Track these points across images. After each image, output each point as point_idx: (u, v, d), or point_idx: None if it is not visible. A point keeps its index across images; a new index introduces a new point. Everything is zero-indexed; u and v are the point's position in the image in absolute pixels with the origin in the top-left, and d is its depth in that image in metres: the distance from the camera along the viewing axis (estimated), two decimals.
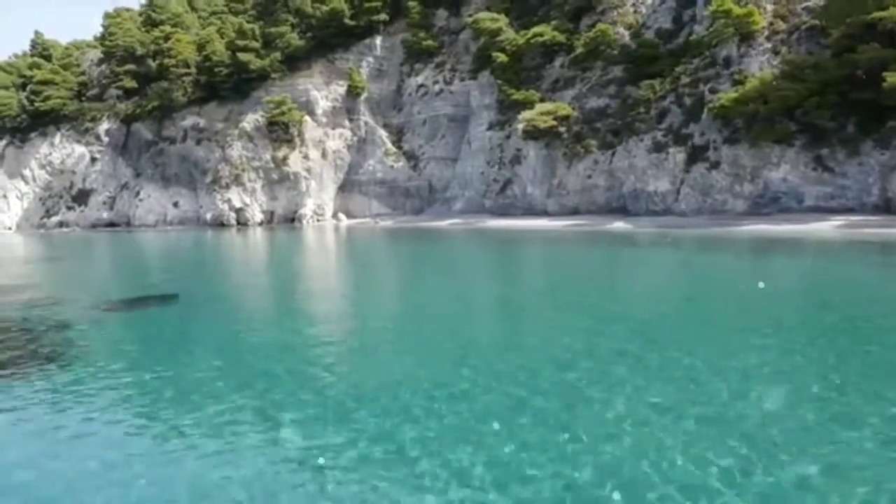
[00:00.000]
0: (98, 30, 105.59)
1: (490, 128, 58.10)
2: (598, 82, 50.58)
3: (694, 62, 42.99)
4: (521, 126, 54.01)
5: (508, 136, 56.12)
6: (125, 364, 10.62)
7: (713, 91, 40.81)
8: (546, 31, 54.48)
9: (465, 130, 64.24)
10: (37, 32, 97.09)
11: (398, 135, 70.50)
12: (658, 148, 42.14)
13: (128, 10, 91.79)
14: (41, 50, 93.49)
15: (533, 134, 52.52)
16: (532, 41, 54.48)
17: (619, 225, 40.38)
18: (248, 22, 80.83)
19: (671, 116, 42.68)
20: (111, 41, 78.30)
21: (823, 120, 35.32)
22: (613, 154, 46.51)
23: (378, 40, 73.14)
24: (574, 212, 48.62)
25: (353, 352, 11.56)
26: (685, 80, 42.51)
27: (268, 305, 17.83)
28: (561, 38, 54.04)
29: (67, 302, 17.64)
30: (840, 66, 34.93)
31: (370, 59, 73.03)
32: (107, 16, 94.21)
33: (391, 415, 7.68)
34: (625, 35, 51.67)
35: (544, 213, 51.06)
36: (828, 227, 31.83)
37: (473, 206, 59.16)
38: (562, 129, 50.11)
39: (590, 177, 47.80)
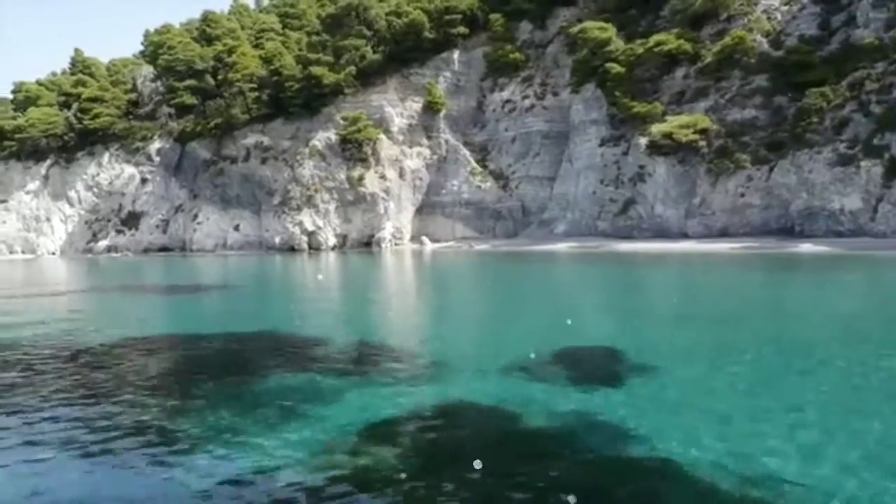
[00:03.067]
0: (138, 47, 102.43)
1: (602, 144, 53.54)
2: (740, 93, 46.26)
3: (878, 66, 38.65)
4: (643, 141, 49.65)
5: (626, 153, 51.57)
6: None
7: None
8: (669, 40, 50.38)
9: (563, 147, 59.79)
10: (77, 50, 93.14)
11: (481, 153, 65.99)
12: (844, 161, 37.56)
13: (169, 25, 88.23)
14: (82, 67, 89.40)
15: (661, 149, 48.06)
16: (655, 50, 50.28)
17: (808, 247, 35.48)
18: (313, 34, 77.16)
19: (854, 126, 38.22)
20: (171, 55, 73.88)
21: None
22: (772, 169, 41.90)
23: (456, 54, 69.12)
24: (722, 234, 43.80)
25: None
26: (870, 86, 38.12)
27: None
28: (687, 46, 49.88)
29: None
30: None
31: (447, 73, 68.90)
32: (154, 32, 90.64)
33: None
34: (762, 42, 47.57)
35: (680, 236, 46.18)
36: None
37: (581, 229, 54.30)
38: (701, 143, 45.58)
39: (742, 195, 43.09)
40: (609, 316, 16.36)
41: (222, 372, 10.96)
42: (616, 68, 52.38)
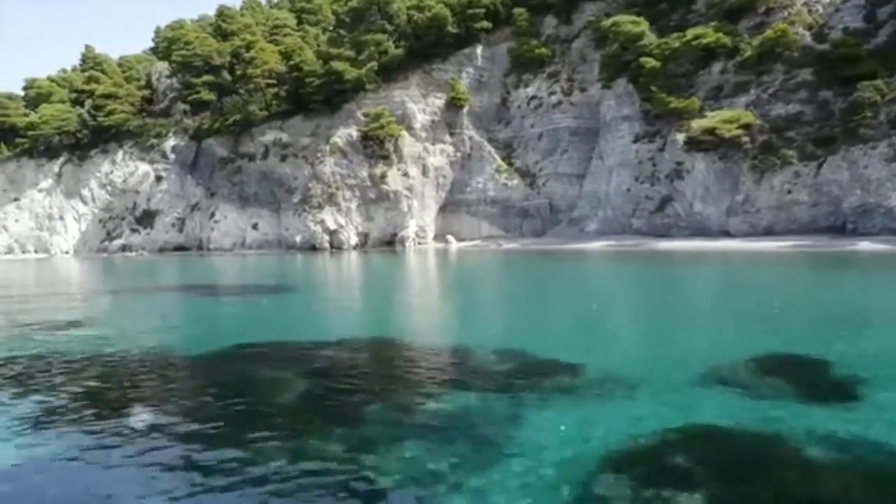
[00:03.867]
0: (141, 44, 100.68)
1: (636, 140, 52.28)
2: (783, 87, 45.03)
3: None
4: (680, 137, 48.45)
5: (662, 149, 50.33)
6: None
7: None
8: (707, 33, 49.12)
9: (593, 144, 58.55)
10: (87, 46, 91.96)
11: (506, 150, 64.70)
12: None
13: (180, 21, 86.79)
14: (93, 64, 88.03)
15: (700, 145, 46.83)
16: (693, 44, 49.01)
17: (866, 245, 34.25)
18: (331, 30, 75.96)
19: None
20: (188, 50, 72.50)
21: None
22: (821, 165, 40.68)
23: (479, 49, 67.82)
24: (766, 232, 42.57)
25: None
26: None
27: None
28: (725, 39, 48.63)
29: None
30: None
31: (470, 69, 67.59)
32: (166, 27, 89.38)
33: None
34: (805, 36, 46.33)
35: (721, 234, 44.94)
36: None
37: (615, 227, 53.06)
38: (745, 139, 44.32)
39: (789, 192, 41.85)
40: (749, 321, 15.00)
41: (370, 389, 9.52)
42: (651, 62, 51.12)
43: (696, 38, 49.06)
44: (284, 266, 44.68)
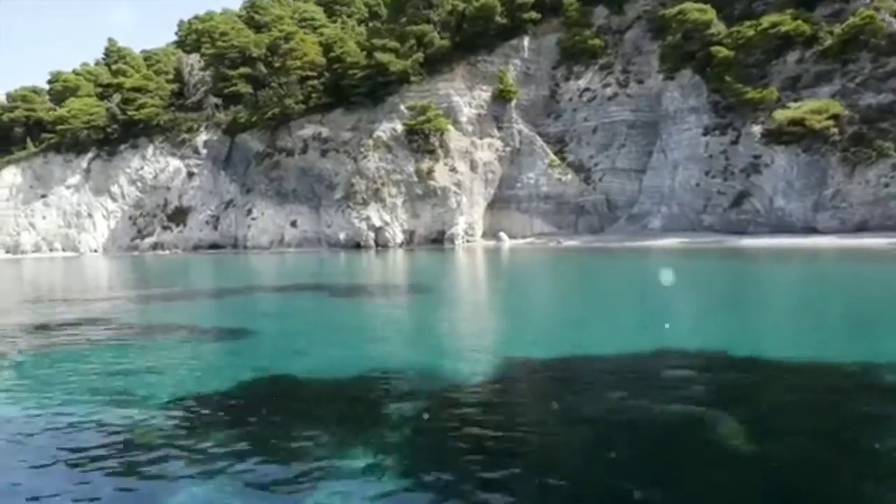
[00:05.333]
0: (170, 37, 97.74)
1: (706, 133, 50.12)
2: (872, 76, 42.90)
3: None
4: (757, 129, 46.34)
5: (735, 142, 48.20)
6: None
7: None
8: (785, 21, 46.95)
9: (652, 137, 56.41)
10: (110, 39, 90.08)
11: (558, 144, 62.46)
12: None
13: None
14: (116, 57, 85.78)
15: (780, 137, 44.70)
16: (770, 32, 46.84)
17: None
18: (368, 20, 73.77)
19: None
20: (224, 41, 70.21)
21: None
22: None
23: (525, 41, 65.60)
24: (859, 228, 40.43)
25: None
26: None
27: None
28: (805, 27, 46.48)
29: None
30: None
31: (516, 61, 65.36)
32: (195, 19, 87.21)
33: None
34: (892, 23, 44.16)
35: (806, 231, 42.79)
36: None
37: (681, 223, 50.91)
38: (833, 130, 42.19)
39: (886, 185, 39.74)
40: None
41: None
42: (723, 52, 48.93)
43: (774, 25, 46.86)
44: (353, 264, 42.46)
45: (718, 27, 51.36)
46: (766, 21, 47.66)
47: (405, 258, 46.84)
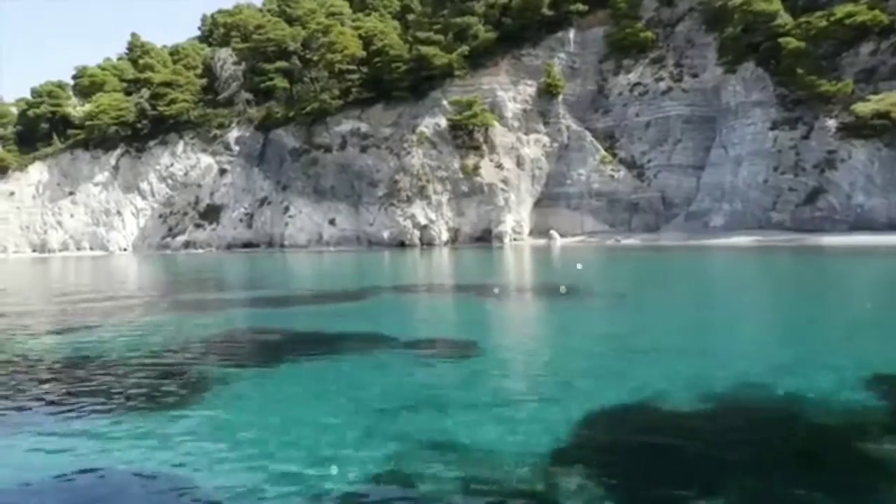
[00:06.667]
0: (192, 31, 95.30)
1: (774, 127, 48.46)
2: None
3: None
4: (832, 123, 44.71)
5: (806, 136, 46.55)
6: None
7: None
8: (861, 11, 45.29)
9: (709, 133, 54.79)
10: (133, 34, 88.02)
11: (608, 140, 60.74)
12: None
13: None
14: (140, 53, 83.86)
15: (859, 132, 43.05)
16: (846, 22, 45.19)
17: None
18: (405, 13, 71.88)
19: None
20: (260, 34, 68.35)
21: None
22: None
23: (571, 34, 63.94)
24: None
25: None
26: None
27: None
28: (883, 17, 44.85)
29: None
30: None
31: (562, 55, 63.65)
32: (222, 12, 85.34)
33: None
34: None
35: (889, 228, 41.09)
36: None
37: (746, 221, 49.16)
38: None
39: None
40: None
41: None
42: (793, 43, 47.25)
43: (850, 15, 45.19)
44: (445, 262, 40.51)
45: (784, 18, 49.74)
46: (840, 11, 45.97)
47: (471, 256, 44.99)
